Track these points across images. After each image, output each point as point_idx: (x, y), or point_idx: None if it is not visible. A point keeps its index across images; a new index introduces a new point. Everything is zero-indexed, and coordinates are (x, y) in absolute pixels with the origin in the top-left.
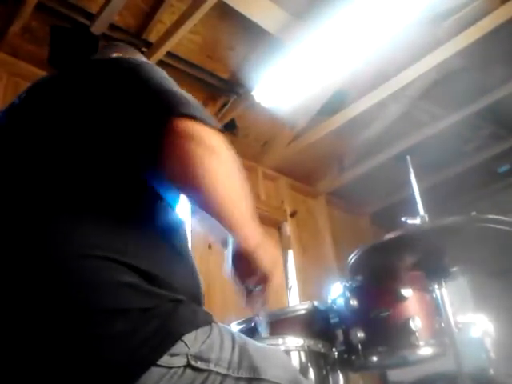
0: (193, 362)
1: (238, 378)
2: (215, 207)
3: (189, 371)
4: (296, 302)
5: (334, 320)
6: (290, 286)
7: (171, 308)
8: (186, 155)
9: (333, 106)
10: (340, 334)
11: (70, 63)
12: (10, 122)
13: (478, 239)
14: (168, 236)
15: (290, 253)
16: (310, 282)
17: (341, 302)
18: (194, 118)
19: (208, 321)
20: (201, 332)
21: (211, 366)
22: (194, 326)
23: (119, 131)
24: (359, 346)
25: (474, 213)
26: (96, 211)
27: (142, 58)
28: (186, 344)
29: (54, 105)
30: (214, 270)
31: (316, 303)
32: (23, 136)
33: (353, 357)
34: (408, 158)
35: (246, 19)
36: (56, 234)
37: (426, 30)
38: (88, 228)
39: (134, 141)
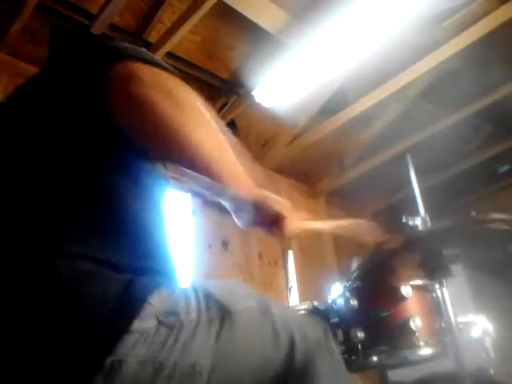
0: (163, 319)
1: (210, 320)
2: (189, 158)
3: (162, 328)
4: (296, 302)
5: (333, 320)
6: (290, 286)
7: (131, 278)
8: (133, 98)
9: (333, 106)
10: (340, 334)
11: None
12: None
13: (478, 239)
14: (123, 217)
15: (290, 253)
16: (310, 282)
17: (341, 302)
18: (138, 59)
19: (167, 280)
20: (163, 290)
21: (182, 317)
22: (155, 287)
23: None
24: (359, 346)
25: (473, 213)
26: (44, 203)
27: None
28: (152, 304)
29: (27, 103)
30: (214, 270)
31: (316, 303)
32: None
33: (353, 357)
34: (408, 157)
35: (247, 19)
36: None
37: (426, 30)
38: (47, 220)
39: (83, 102)
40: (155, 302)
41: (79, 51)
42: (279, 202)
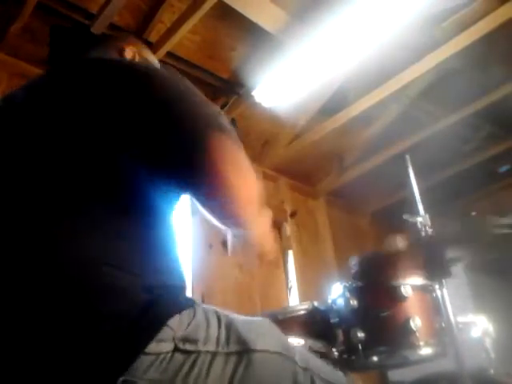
0: (180, 345)
1: (227, 354)
2: (235, 215)
3: (177, 355)
4: (296, 302)
5: (334, 320)
6: (290, 286)
7: (153, 298)
8: (219, 175)
9: (333, 106)
10: (340, 334)
11: (72, 60)
12: (6, 120)
13: (478, 240)
14: (153, 231)
15: (290, 253)
16: (310, 282)
17: (341, 302)
18: (219, 131)
19: (190, 303)
20: (185, 314)
21: (200, 346)
22: (177, 309)
23: (134, 141)
24: (359, 346)
25: (473, 213)
26: (82, 212)
27: (152, 59)
28: (172, 328)
29: (57, 107)
30: (214, 270)
31: (316, 303)
32: (22, 136)
33: (353, 357)
34: (407, 157)
35: (247, 19)
36: (44, 234)
37: (426, 30)
38: (74, 229)
39: (163, 157)
40: (175, 326)
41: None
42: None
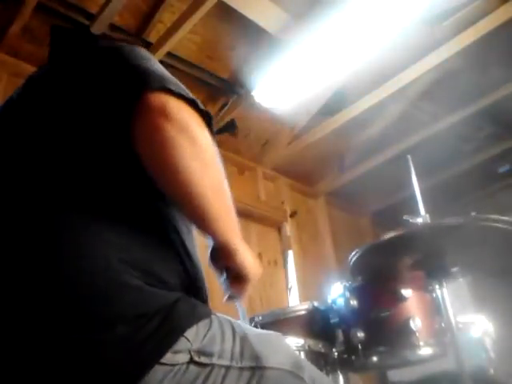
0: (196, 358)
1: (241, 368)
2: (187, 198)
3: (192, 367)
4: (296, 302)
5: (334, 320)
6: (290, 286)
7: (171, 305)
8: (157, 133)
9: (333, 106)
10: (340, 334)
11: (61, 56)
12: (5, 119)
13: (478, 239)
14: (169, 232)
15: (290, 253)
16: (310, 282)
17: (341, 302)
18: (170, 92)
19: (207, 313)
20: (201, 325)
21: (214, 360)
22: (195, 320)
23: (100, 115)
24: (359, 346)
25: (473, 213)
26: (96, 210)
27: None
28: (188, 339)
29: (45, 100)
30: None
31: (316, 303)
32: (19, 133)
33: (353, 357)
34: (409, 157)
35: (246, 19)
36: (54, 233)
37: (426, 30)
38: (89, 227)
39: (109, 121)
40: (191, 337)
41: (109, 66)
42: (250, 262)
